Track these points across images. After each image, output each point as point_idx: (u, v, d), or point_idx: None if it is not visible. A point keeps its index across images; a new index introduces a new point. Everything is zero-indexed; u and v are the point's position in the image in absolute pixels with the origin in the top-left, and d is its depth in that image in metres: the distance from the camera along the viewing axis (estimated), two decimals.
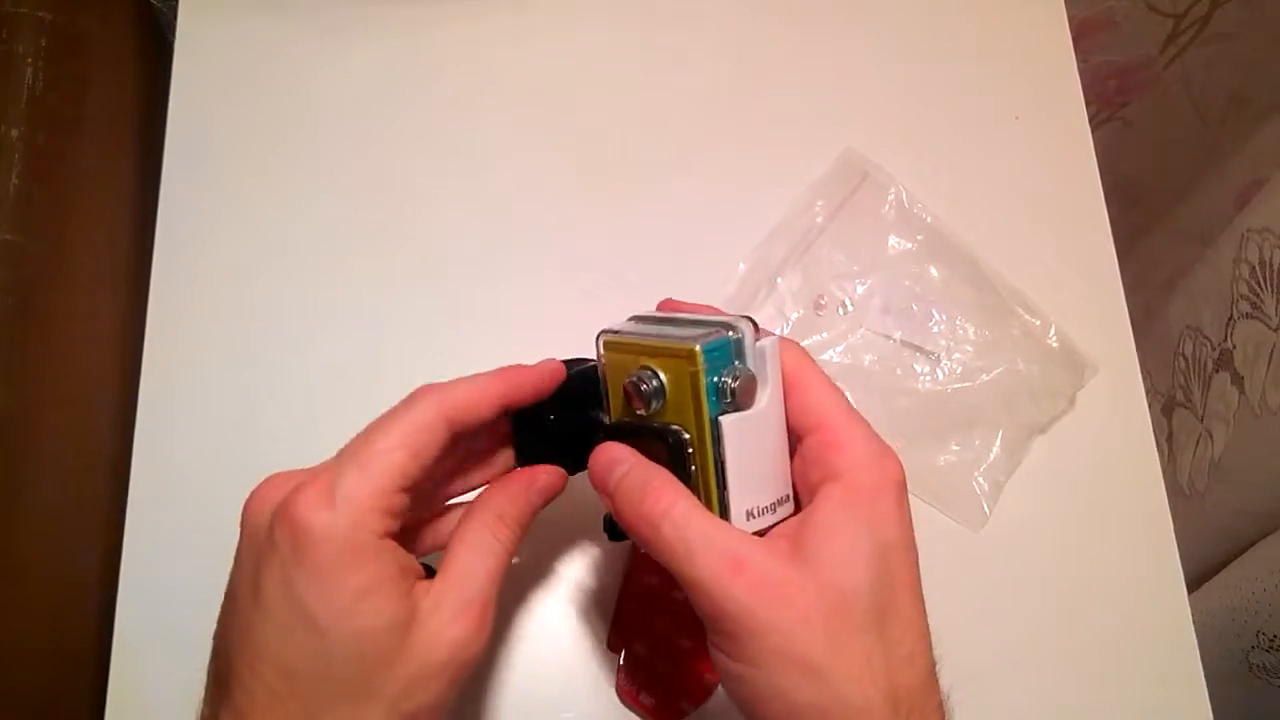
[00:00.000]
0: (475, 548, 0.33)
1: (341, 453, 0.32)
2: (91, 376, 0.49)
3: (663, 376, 0.32)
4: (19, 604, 0.42)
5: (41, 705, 0.44)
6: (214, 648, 0.33)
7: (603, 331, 0.35)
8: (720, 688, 0.44)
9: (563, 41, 0.57)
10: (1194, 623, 0.48)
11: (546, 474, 0.37)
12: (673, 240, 0.54)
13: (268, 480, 0.33)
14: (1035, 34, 0.59)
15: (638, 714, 0.45)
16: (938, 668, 0.32)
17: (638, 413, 0.33)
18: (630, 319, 0.36)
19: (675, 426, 0.32)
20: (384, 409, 0.38)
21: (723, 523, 0.31)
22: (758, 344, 0.32)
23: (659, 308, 0.37)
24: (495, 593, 0.33)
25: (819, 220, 0.54)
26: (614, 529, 0.34)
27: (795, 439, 0.34)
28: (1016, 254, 0.53)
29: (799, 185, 0.54)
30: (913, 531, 0.32)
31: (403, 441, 0.32)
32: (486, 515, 0.34)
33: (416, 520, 0.37)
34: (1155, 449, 0.51)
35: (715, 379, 0.31)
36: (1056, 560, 0.49)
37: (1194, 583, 0.58)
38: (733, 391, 0.31)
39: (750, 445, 0.32)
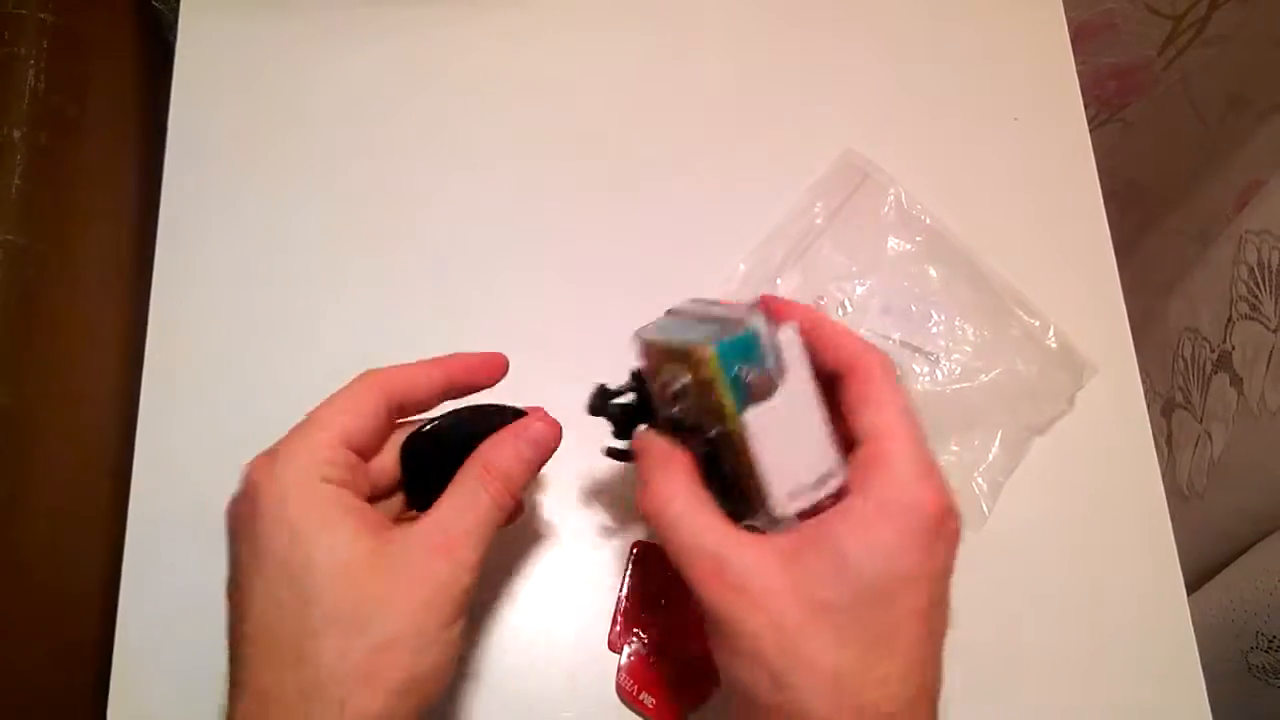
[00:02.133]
0: (459, 492, 0.34)
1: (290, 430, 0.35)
2: (93, 375, 0.49)
3: (686, 378, 0.33)
4: (21, 602, 0.42)
5: (44, 703, 0.44)
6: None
7: (637, 332, 0.37)
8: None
9: (563, 42, 0.58)
10: (1193, 623, 0.48)
11: (540, 423, 0.37)
12: (672, 241, 0.54)
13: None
14: (1034, 36, 0.59)
15: (639, 714, 0.45)
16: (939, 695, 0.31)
17: (674, 411, 0.35)
18: (666, 313, 0.38)
19: (705, 425, 0.33)
20: None
21: (714, 523, 0.32)
22: (777, 335, 0.33)
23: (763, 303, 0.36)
24: (480, 537, 0.33)
25: (818, 221, 0.54)
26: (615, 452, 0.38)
27: (853, 442, 0.33)
28: (1015, 255, 0.53)
29: (798, 186, 0.55)
30: (940, 563, 0.31)
31: (336, 405, 0.34)
32: (474, 465, 0.35)
33: None
34: (1154, 450, 0.51)
35: (734, 375, 0.32)
36: (1055, 561, 0.49)
37: (1193, 583, 0.57)
38: (751, 384, 0.32)
39: (780, 431, 0.32)
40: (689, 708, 0.45)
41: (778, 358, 0.33)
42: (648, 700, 0.44)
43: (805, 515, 0.33)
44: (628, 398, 0.39)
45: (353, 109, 0.55)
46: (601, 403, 0.39)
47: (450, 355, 0.37)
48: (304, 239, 0.53)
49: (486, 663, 0.46)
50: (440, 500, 0.34)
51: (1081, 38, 0.72)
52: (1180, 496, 0.69)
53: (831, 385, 0.34)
